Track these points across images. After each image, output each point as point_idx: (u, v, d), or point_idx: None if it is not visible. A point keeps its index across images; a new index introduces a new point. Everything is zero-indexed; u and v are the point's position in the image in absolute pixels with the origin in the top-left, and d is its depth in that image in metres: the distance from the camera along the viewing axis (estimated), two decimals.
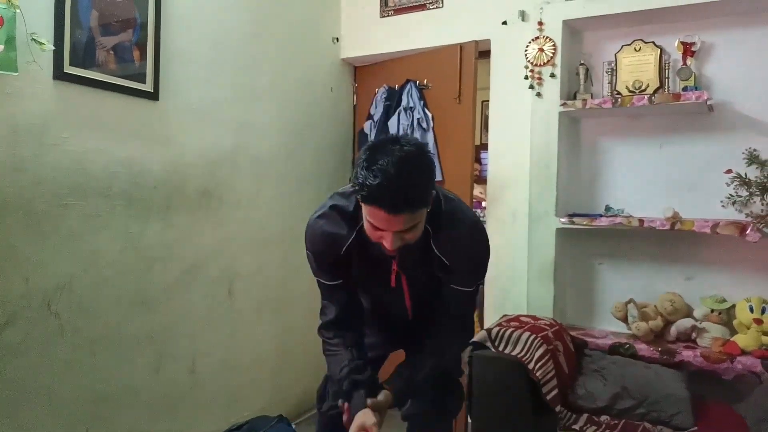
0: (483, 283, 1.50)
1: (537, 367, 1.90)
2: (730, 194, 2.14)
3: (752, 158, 2.12)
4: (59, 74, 1.79)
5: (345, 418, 1.42)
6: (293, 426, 2.32)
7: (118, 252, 2.00)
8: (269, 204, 2.65)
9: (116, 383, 2.00)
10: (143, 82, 2.06)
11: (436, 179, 2.69)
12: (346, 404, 1.43)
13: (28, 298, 1.74)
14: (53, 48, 1.73)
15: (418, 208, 1.21)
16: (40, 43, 1.67)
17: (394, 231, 1.22)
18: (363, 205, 1.24)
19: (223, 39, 2.40)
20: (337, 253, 1.39)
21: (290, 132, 2.76)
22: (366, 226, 1.28)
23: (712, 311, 2.18)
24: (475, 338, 2.06)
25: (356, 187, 1.20)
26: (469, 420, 2.08)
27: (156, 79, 2.10)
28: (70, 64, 1.82)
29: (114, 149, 1.97)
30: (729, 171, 2.15)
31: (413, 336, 1.57)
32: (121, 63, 1.98)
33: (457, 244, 1.38)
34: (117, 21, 1.96)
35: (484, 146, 3.82)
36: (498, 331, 2.02)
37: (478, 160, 3.98)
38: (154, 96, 2.10)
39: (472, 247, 1.42)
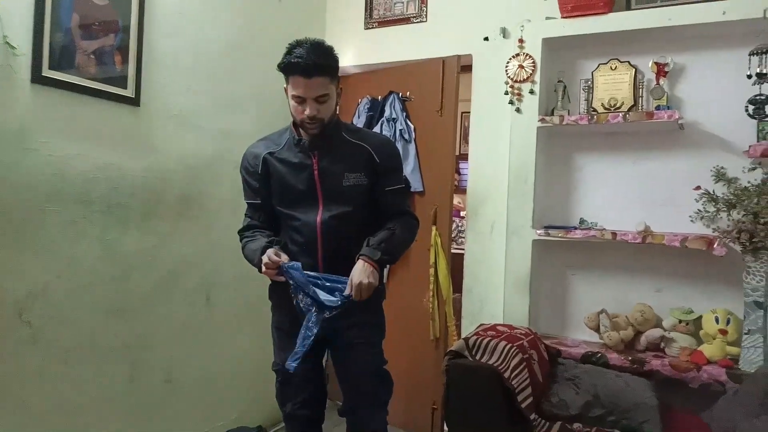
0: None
1: (513, 375, 1.94)
2: (699, 209, 2.21)
3: (719, 175, 2.20)
4: (38, 78, 1.77)
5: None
6: None
7: (95, 259, 1.97)
8: None
9: (90, 393, 1.97)
10: (124, 87, 2.05)
11: (418, 190, 2.75)
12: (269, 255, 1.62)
13: None
14: (23, 54, 1.71)
15: (328, 73, 1.60)
16: (12, 47, 1.65)
17: (312, 97, 1.58)
18: (287, 84, 1.63)
19: (206, 47, 2.39)
20: (256, 169, 1.73)
21: None
22: (291, 106, 1.65)
23: (680, 322, 2.25)
24: (453, 347, 2.09)
25: (282, 68, 1.60)
26: (446, 428, 2.10)
27: (137, 85, 2.09)
28: (49, 68, 1.80)
29: (93, 155, 1.95)
30: (698, 188, 2.23)
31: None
32: (101, 67, 1.97)
33: (383, 141, 1.83)
34: (98, 24, 1.94)
35: (463, 156, 3.87)
36: (475, 341, 2.05)
37: (456, 170, 4.03)
38: (135, 101, 2.09)
39: (394, 146, 1.89)
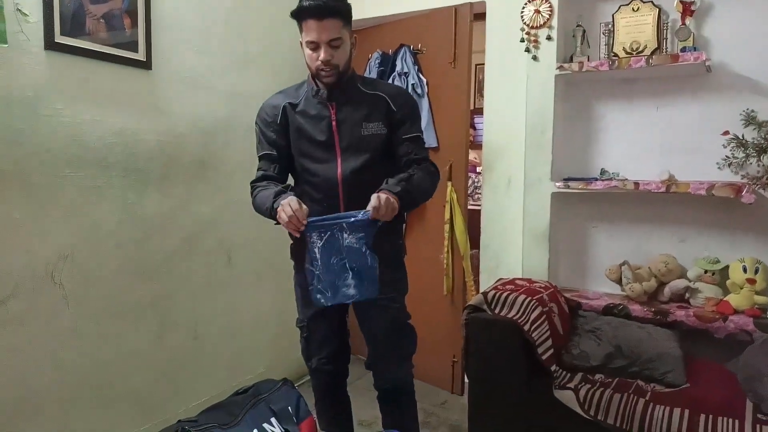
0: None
1: (532, 328, 1.93)
2: (727, 156, 2.13)
3: (750, 119, 2.10)
4: (50, 44, 1.78)
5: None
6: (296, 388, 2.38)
7: (117, 222, 2.02)
8: None
9: (121, 350, 2.05)
10: (135, 51, 2.05)
11: (432, 146, 2.71)
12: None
13: (31, 268, 1.77)
14: (35, 21, 1.71)
15: (340, 15, 1.58)
16: (24, 14, 1.66)
17: (326, 41, 1.57)
18: (301, 34, 1.61)
19: (214, 5, 2.36)
20: (275, 119, 1.72)
21: None
22: (306, 55, 1.63)
23: (706, 272, 2.20)
24: (472, 302, 2.10)
25: (295, 14, 1.59)
26: (467, 380, 2.13)
27: (148, 48, 2.08)
28: (61, 34, 1.80)
29: (109, 120, 1.97)
30: (726, 133, 2.14)
31: None
32: (111, 31, 1.96)
33: (399, 90, 1.82)
34: None
35: (477, 111, 3.78)
36: (494, 295, 2.04)
37: (471, 125, 3.96)
38: (146, 65, 2.09)
39: (410, 95, 1.85)
